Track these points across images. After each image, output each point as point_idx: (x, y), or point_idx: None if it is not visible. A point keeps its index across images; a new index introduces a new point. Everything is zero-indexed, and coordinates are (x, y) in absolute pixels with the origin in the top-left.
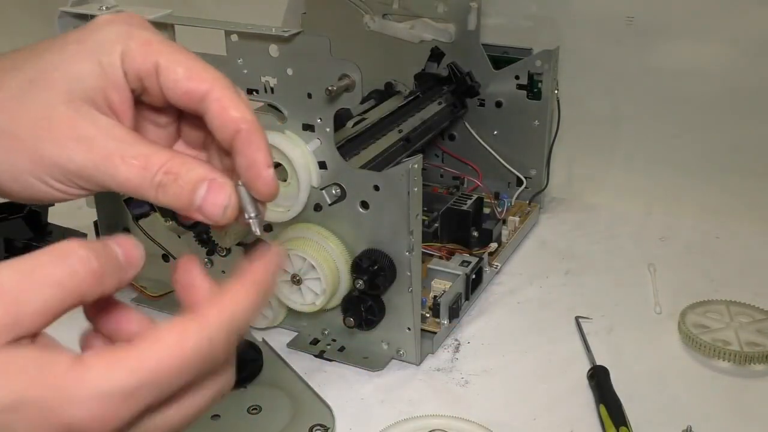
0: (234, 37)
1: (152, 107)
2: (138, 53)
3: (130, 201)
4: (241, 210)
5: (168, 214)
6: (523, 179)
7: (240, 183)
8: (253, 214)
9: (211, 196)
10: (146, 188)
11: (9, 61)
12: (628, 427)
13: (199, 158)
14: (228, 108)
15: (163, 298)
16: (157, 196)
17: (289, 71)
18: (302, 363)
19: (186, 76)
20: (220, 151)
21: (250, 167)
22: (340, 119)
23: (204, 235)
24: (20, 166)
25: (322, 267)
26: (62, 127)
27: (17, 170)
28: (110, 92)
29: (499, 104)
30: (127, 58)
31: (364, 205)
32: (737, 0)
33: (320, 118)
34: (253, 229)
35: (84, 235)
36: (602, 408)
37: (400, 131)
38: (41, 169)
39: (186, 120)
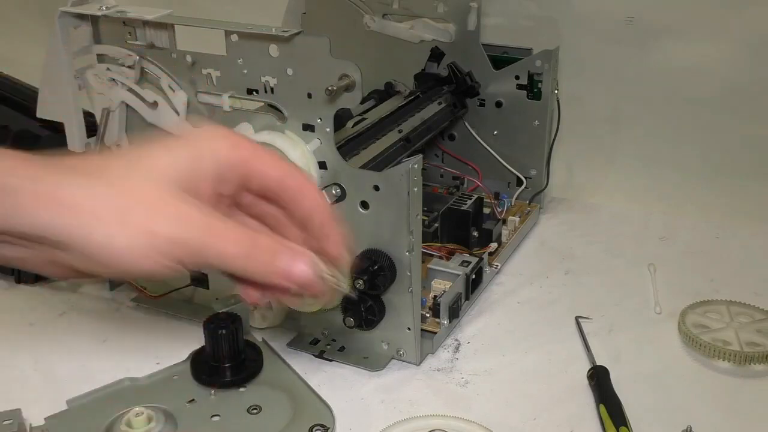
0: (234, 37)
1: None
2: (233, 148)
3: None
4: (323, 277)
5: None
6: (523, 179)
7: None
8: (338, 277)
9: (294, 261)
10: (238, 257)
11: (121, 152)
12: (628, 427)
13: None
14: (308, 190)
15: (163, 298)
16: (247, 265)
17: (289, 71)
18: (302, 363)
19: (273, 167)
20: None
21: (324, 237)
22: (340, 119)
23: None
24: (126, 238)
25: None
26: (163, 204)
27: (121, 241)
28: (199, 181)
29: (499, 104)
30: (223, 151)
31: (364, 205)
32: (737, 0)
33: (320, 118)
34: (343, 289)
35: None
36: (602, 408)
37: (400, 131)
38: (145, 240)
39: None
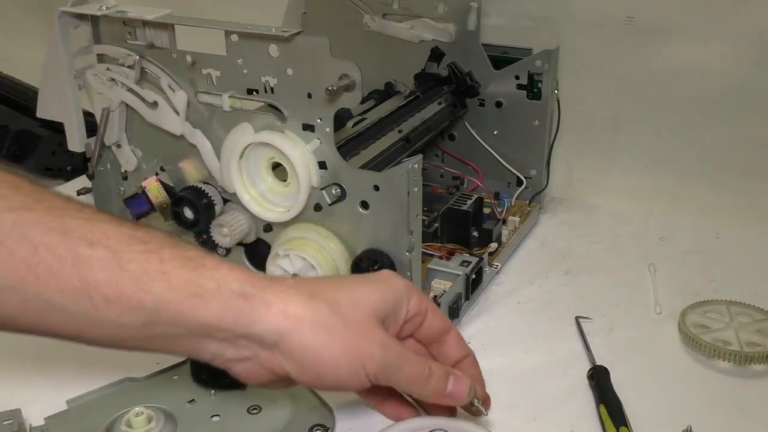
0: (234, 37)
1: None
2: (419, 301)
3: (130, 201)
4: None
5: (168, 214)
6: (523, 179)
7: None
8: (477, 402)
9: (458, 384)
10: (418, 379)
11: (336, 283)
12: (628, 427)
13: None
14: (460, 342)
15: None
16: (423, 385)
17: (289, 71)
18: None
19: (441, 320)
20: None
21: (473, 378)
22: (340, 119)
23: (204, 235)
24: (347, 355)
25: (322, 267)
26: (374, 334)
27: (343, 356)
28: (392, 322)
29: (499, 104)
30: (412, 299)
31: (364, 205)
32: (737, 0)
33: (320, 118)
34: (484, 414)
35: None
36: (602, 408)
37: (400, 131)
38: (360, 361)
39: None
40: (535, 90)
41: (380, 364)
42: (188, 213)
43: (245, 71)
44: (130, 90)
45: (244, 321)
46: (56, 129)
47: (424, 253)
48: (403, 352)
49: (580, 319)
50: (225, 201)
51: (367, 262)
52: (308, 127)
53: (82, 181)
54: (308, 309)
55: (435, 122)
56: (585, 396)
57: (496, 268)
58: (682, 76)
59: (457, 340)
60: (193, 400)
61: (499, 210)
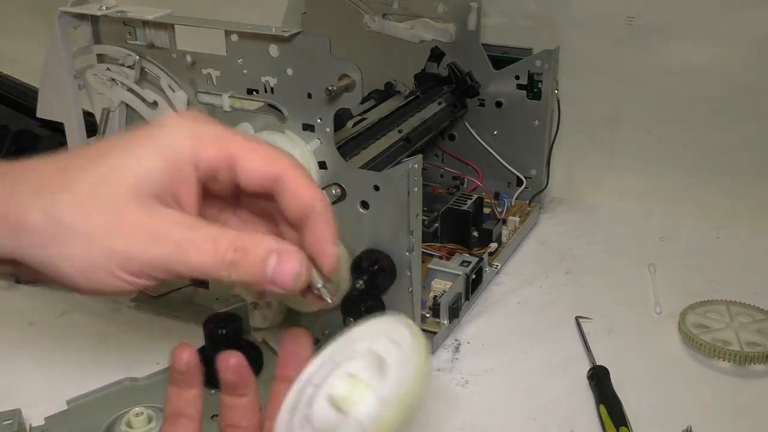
0: (234, 37)
1: (214, 195)
2: (212, 146)
3: None
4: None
5: None
6: (523, 179)
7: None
8: (320, 284)
9: (282, 265)
10: (219, 268)
11: (79, 160)
12: (628, 427)
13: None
14: (305, 187)
15: (163, 298)
16: (230, 274)
17: (289, 71)
18: None
19: (263, 162)
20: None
21: (317, 242)
22: (340, 119)
23: None
24: (94, 261)
25: None
26: (132, 222)
27: (90, 265)
28: (177, 186)
29: (499, 104)
30: (201, 152)
31: (364, 205)
32: (737, 0)
33: (320, 118)
34: (325, 298)
35: None
36: (602, 408)
37: (400, 131)
38: (115, 263)
39: (245, 206)
40: (535, 90)
41: (146, 262)
42: None
43: (245, 71)
44: (130, 90)
45: None
46: (56, 129)
47: (424, 253)
48: (183, 238)
49: (580, 319)
50: None
51: (367, 262)
52: (308, 127)
53: None
54: (42, 214)
55: (435, 122)
56: (585, 396)
57: (496, 268)
58: (681, 76)
59: (298, 186)
60: None
61: (499, 210)
